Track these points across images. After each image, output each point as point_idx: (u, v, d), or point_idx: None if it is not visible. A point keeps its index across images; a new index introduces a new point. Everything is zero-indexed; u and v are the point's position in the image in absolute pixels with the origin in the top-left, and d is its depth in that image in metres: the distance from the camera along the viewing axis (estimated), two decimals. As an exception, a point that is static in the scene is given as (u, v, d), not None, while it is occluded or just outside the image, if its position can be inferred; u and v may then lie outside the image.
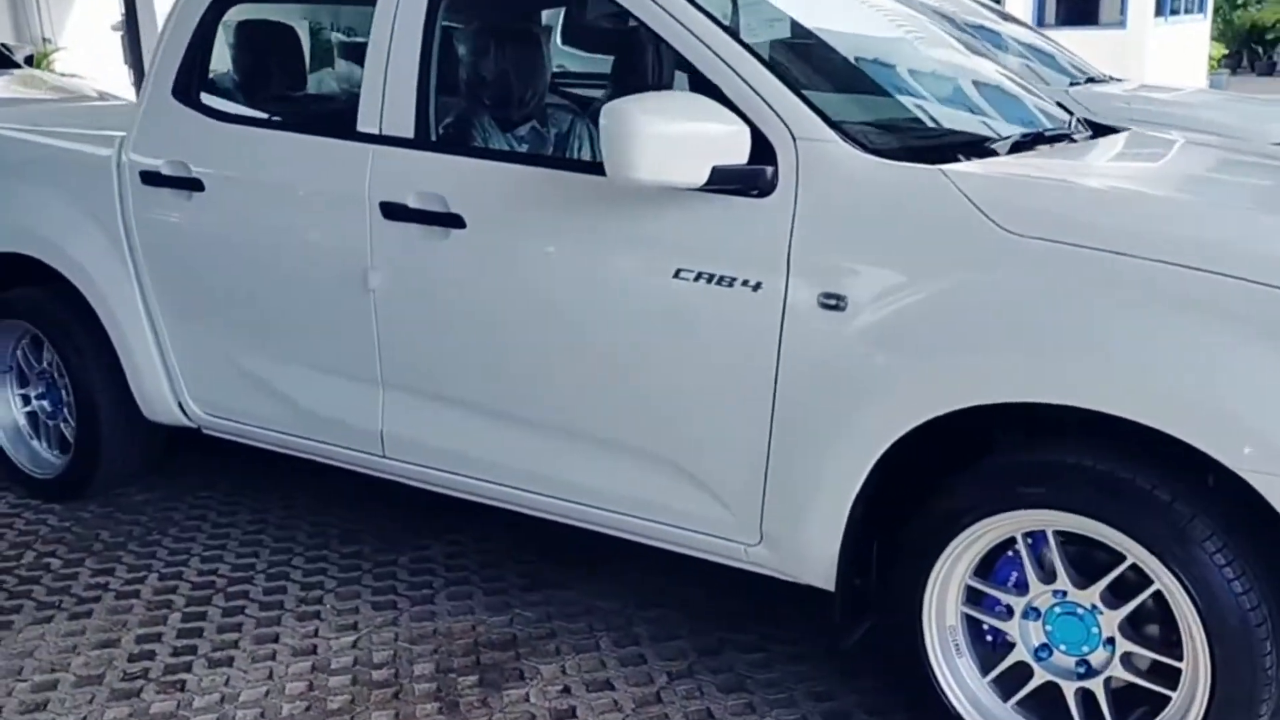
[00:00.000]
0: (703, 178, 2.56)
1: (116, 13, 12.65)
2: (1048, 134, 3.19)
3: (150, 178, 3.63)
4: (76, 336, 3.90)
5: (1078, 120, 3.47)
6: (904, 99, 3.26)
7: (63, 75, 9.26)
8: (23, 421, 4.24)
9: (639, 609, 3.33)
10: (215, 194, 3.50)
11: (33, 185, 3.93)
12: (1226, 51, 25.02)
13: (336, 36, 4.70)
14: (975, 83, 3.49)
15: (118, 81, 11.79)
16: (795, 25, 3.43)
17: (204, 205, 3.53)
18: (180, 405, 3.80)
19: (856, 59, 3.49)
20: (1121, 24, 17.86)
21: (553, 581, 3.50)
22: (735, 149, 2.58)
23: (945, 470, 2.52)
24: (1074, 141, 3.23)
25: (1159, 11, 18.54)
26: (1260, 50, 26.61)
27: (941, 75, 3.53)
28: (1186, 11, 20.18)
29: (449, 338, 3.12)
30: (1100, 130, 3.44)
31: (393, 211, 3.13)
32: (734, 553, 2.82)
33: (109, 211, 3.73)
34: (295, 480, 4.16)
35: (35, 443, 4.23)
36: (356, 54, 3.59)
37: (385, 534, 3.82)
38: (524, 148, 3.41)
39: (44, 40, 12.91)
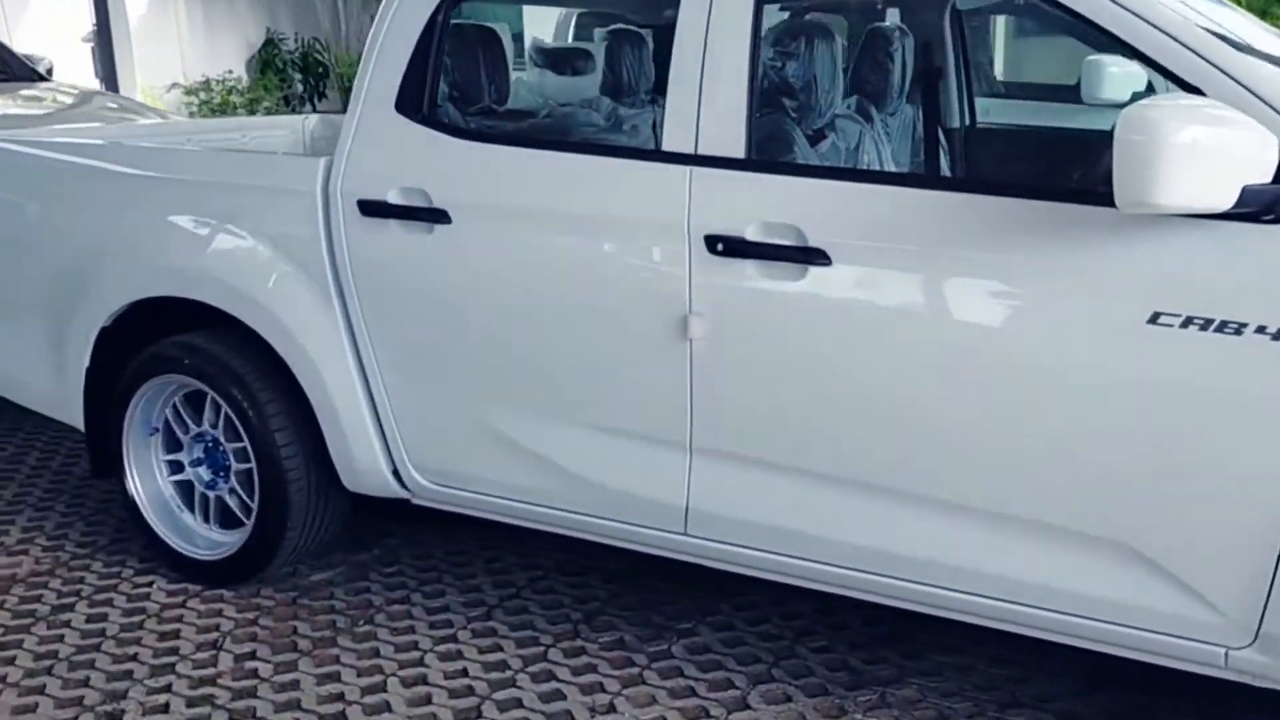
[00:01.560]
0: (1230, 200, 2.09)
1: (87, 23, 11.88)
2: None
3: (372, 208, 3.06)
4: (258, 393, 3.31)
5: None
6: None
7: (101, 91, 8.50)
8: (170, 492, 3.63)
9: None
10: (465, 226, 2.95)
11: (201, 219, 3.34)
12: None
13: (599, 34, 4.13)
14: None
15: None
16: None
17: (449, 240, 2.97)
18: (395, 473, 3.24)
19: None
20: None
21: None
22: (1263, 164, 2.11)
23: None
24: None
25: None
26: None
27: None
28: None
29: (804, 396, 2.62)
30: None
31: (724, 246, 2.62)
32: (1204, 656, 2.35)
33: (312, 249, 3.16)
34: (482, 537, 3.66)
35: (187, 516, 3.61)
36: (629, 54, 3.08)
37: (650, 621, 3.29)
38: (830, 162, 2.91)
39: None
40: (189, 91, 13.13)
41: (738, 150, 2.65)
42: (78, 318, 3.57)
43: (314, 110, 15.36)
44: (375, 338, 3.13)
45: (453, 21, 3.09)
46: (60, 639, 3.23)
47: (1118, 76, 3.56)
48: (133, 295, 3.46)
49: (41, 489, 4.29)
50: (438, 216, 2.97)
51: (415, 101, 3.06)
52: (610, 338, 2.80)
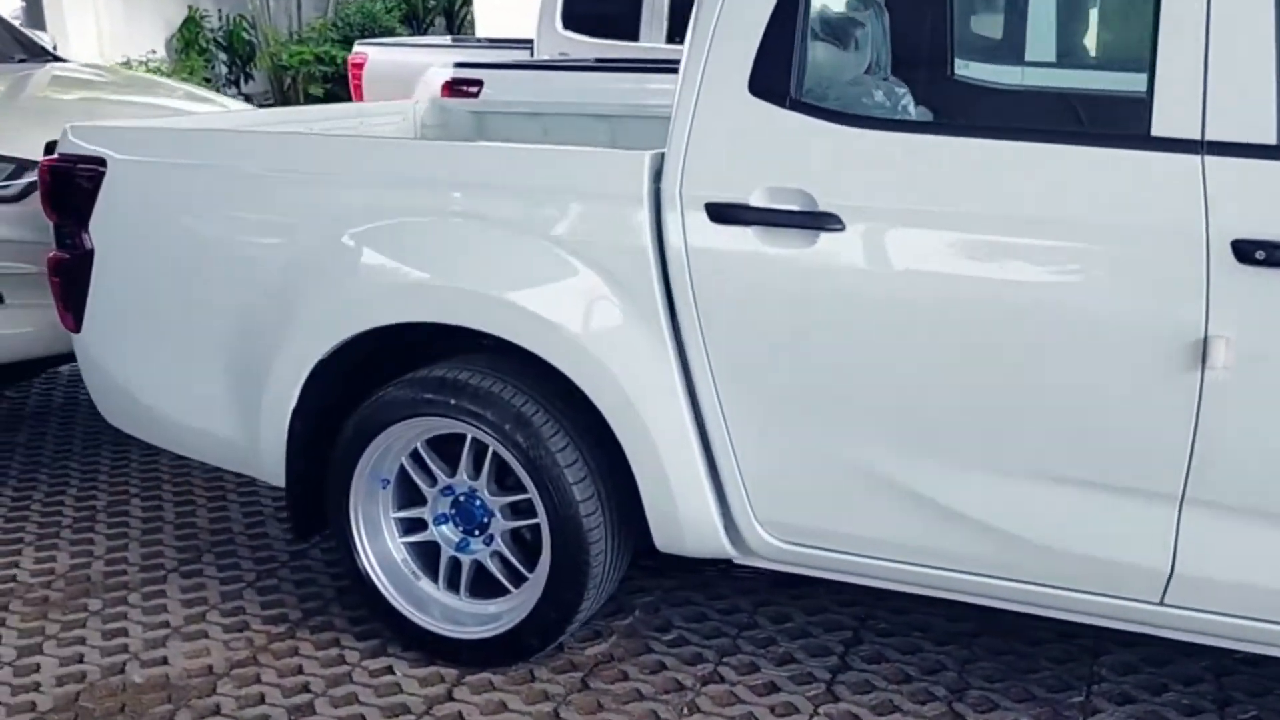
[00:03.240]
0: None
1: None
2: None
3: (728, 214, 2.48)
4: (548, 439, 2.71)
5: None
6: None
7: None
8: (403, 555, 3.00)
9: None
10: (863, 233, 2.39)
11: (475, 227, 2.72)
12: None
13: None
14: None
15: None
16: None
17: (840, 250, 2.41)
18: (730, 532, 2.67)
19: None
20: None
21: None
22: None
23: None
24: None
25: None
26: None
27: None
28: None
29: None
30: None
31: (1266, 254, 2.11)
32: None
33: (633, 263, 2.57)
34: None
35: (425, 584, 2.99)
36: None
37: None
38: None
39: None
40: (108, 72, 12.11)
41: (1268, 135, 2.14)
42: (281, 352, 2.92)
43: (240, 94, 14.38)
44: (721, 371, 2.56)
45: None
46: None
47: None
48: (364, 323, 2.83)
49: (174, 549, 3.60)
50: (825, 221, 2.41)
51: (778, 81, 2.48)
52: (1080, 370, 2.29)
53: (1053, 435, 2.34)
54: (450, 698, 2.81)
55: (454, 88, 6.03)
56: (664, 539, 2.73)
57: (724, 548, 2.71)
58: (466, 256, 2.72)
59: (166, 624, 3.14)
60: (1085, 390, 2.29)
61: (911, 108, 3.14)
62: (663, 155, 2.56)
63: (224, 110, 4.77)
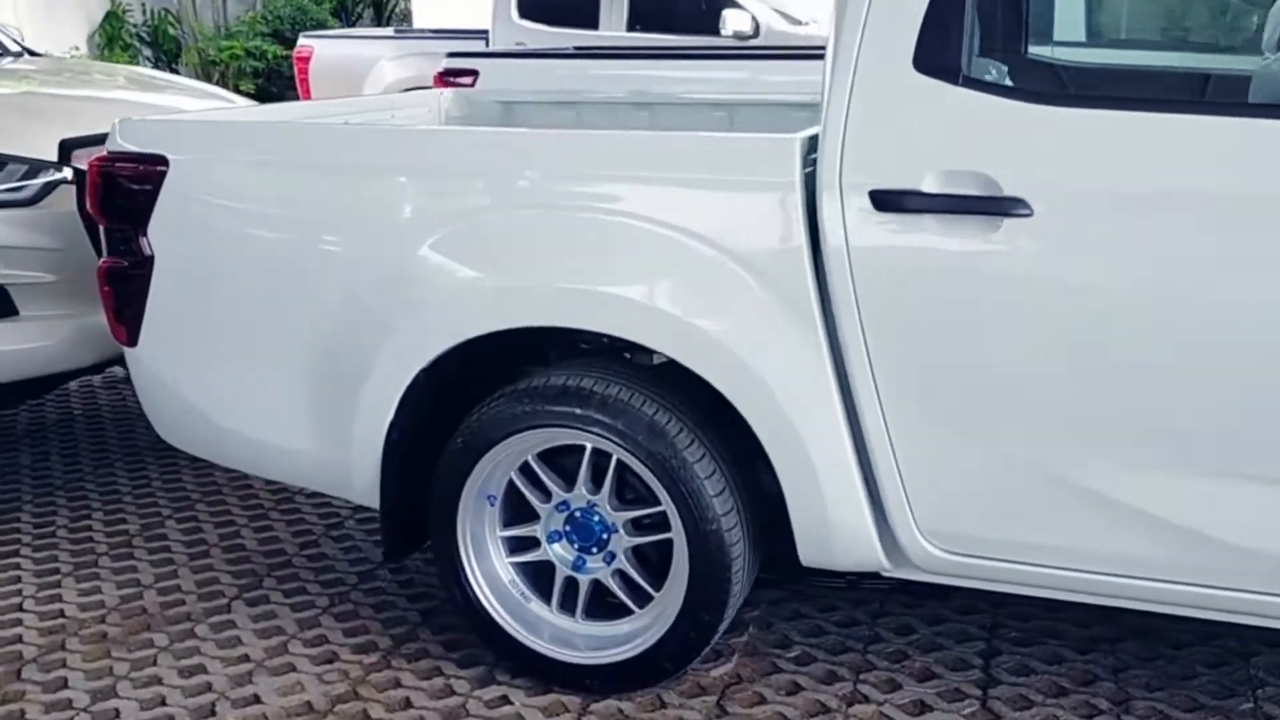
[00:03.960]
0: None
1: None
2: None
3: (896, 201, 2.31)
4: (683, 450, 2.53)
5: None
6: None
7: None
8: (511, 575, 2.79)
9: None
10: (1055, 219, 2.24)
11: (602, 221, 2.52)
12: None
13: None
14: None
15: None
16: None
17: (1028, 237, 2.25)
18: (886, 543, 2.51)
19: None
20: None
21: None
22: None
23: None
24: None
25: None
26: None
27: None
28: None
29: None
30: None
31: None
32: None
33: (785, 258, 2.40)
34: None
35: (536, 605, 2.79)
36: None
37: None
38: None
39: None
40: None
41: None
42: (378, 361, 2.69)
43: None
44: (884, 372, 2.39)
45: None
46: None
47: None
48: (474, 329, 2.62)
49: (229, 574, 3.36)
50: (1010, 207, 2.24)
51: (948, 56, 2.31)
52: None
53: (1267, 433, 2.19)
54: (581, 729, 2.61)
55: (447, 79, 5.80)
56: (810, 552, 2.56)
57: (878, 560, 2.54)
58: (593, 255, 2.52)
59: (246, 657, 2.90)
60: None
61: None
62: (813, 140, 2.38)
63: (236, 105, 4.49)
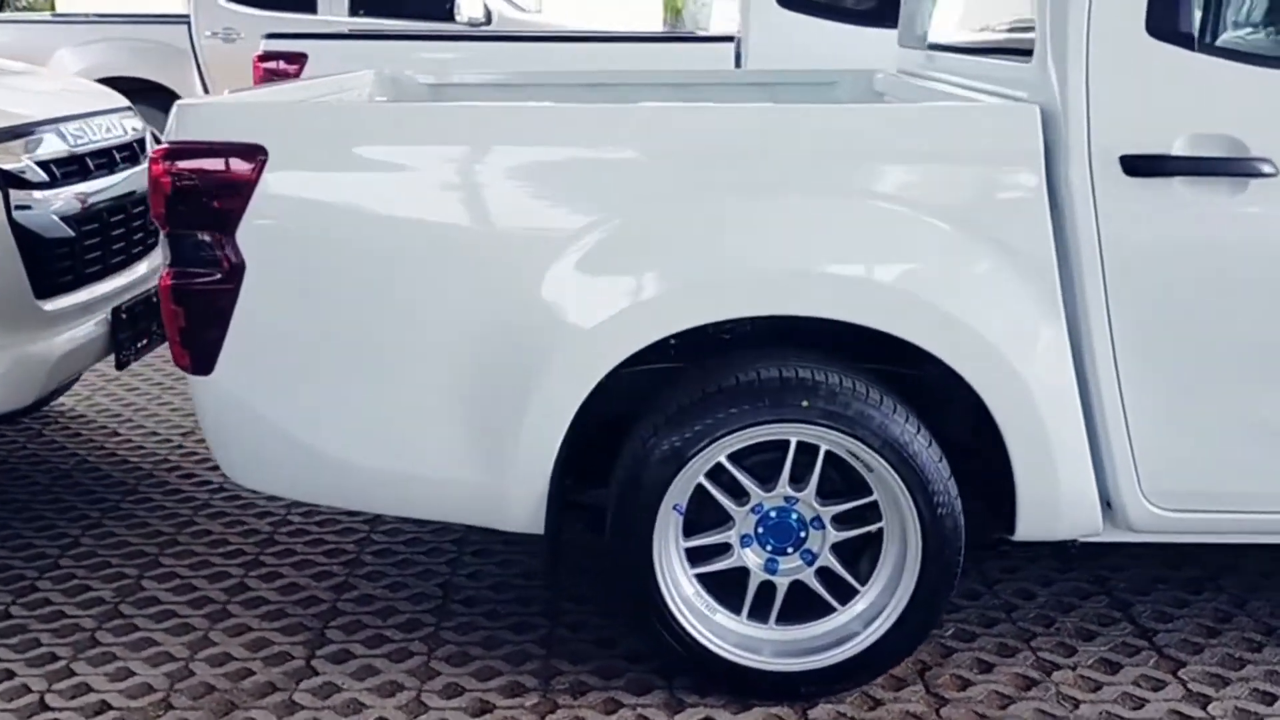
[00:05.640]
0: None
1: None
2: None
3: (1146, 165, 2.34)
4: (916, 434, 2.45)
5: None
6: None
7: None
8: (696, 587, 2.60)
9: None
10: (1303, 181, 2.33)
11: (813, 201, 2.39)
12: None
13: None
14: None
15: None
16: None
17: (1272, 198, 2.34)
18: (1108, 507, 2.54)
19: None
20: None
21: None
22: None
23: None
24: None
25: None
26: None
27: None
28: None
29: None
30: None
31: None
32: None
33: (1025, 227, 2.37)
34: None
35: (722, 616, 2.62)
36: None
37: None
38: None
39: None
40: None
41: None
42: (549, 371, 2.43)
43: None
44: (1124, 336, 2.41)
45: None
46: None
47: None
48: (672, 325, 2.42)
49: (277, 631, 2.93)
50: (1257, 167, 2.32)
51: (1181, 22, 2.35)
52: None
53: None
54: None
55: (269, 62, 5.32)
56: (1031, 525, 2.54)
57: (1097, 525, 2.55)
58: (817, 236, 2.38)
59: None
60: None
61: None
62: (1050, 108, 2.36)
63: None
